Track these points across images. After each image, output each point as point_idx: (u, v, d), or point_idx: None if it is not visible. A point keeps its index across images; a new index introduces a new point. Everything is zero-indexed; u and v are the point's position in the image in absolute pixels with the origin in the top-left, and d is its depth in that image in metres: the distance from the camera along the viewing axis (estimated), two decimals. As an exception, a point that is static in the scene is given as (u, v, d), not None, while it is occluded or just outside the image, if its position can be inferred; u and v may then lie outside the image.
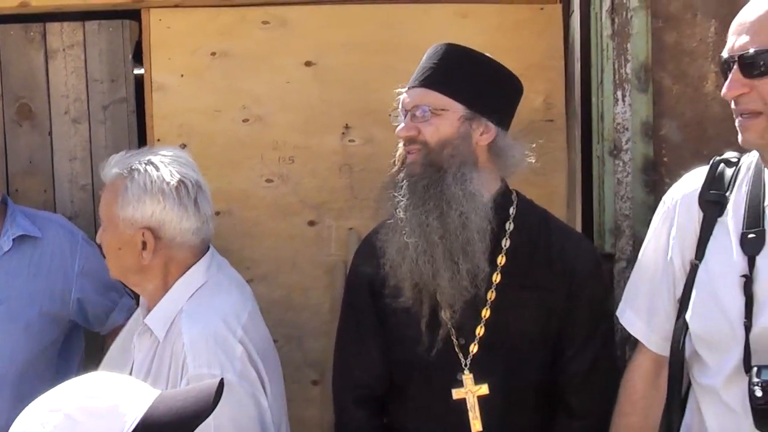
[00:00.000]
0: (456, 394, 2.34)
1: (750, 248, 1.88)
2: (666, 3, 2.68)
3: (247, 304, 2.43)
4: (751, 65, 1.81)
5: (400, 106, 2.44)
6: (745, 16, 1.87)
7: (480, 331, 2.34)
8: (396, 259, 2.35)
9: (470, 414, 2.33)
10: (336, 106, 3.20)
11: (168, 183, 2.34)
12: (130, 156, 2.43)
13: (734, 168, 2.03)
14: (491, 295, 2.34)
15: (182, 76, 3.22)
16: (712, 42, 2.69)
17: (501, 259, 2.36)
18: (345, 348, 2.52)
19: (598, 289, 2.41)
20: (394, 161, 2.45)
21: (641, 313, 2.18)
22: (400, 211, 2.35)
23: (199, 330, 2.26)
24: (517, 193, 2.48)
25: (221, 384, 1.57)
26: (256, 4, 3.21)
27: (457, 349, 2.35)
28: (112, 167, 2.40)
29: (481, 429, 2.32)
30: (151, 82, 3.22)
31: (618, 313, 2.27)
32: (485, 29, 3.19)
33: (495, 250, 2.35)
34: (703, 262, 1.98)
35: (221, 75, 3.22)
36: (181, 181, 2.37)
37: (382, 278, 2.39)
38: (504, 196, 2.43)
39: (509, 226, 2.40)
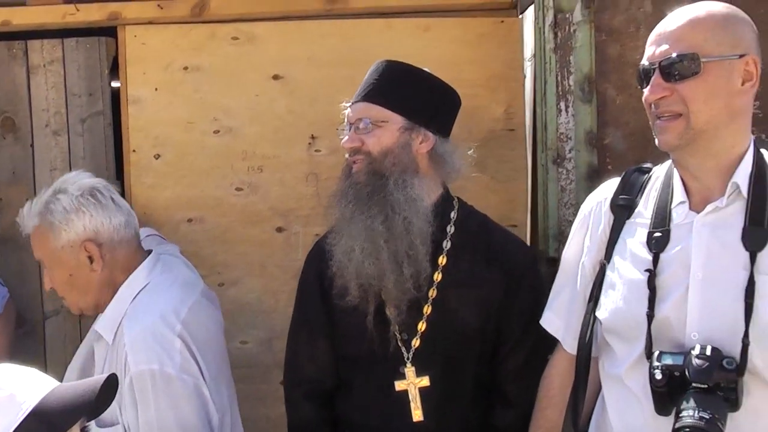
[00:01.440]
0: (398, 386, 2.48)
1: (656, 246, 2.01)
2: (609, 17, 2.79)
3: (187, 300, 2.57)
4: (670, 71, 1.94)
5: (345, 120, 2.56)
6: (664, 27, 2.00)
7: (422, 326, 2.49)
8: (343, 261, 2.48)
9: (412, 404, 2.48)
10: (302, 118, 3.33)
11: (81, 195, 2.53)
12: (35, 203, 2.59)
13: (646, 175, 2.17)
14: (432, 293, 2.48)
15: (156, 89, 3.37)
16: (654, 54, 2.79)
17: (442, 260, 2.50)
18: (296, 345, 2.66)
19: (534, 288, 2.54)
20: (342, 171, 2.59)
21: (560, 314, 2.31)
22: (346, 217, 2.49)
23: (138, 329, 2.42)
24: (459, 199, 2.62)
25: (111, 380, 1.68)
26: (226, 20, 3.36)
27: (400, 344, 2.49)
28: (28, 220, 2.57)
29: (422, 418, 2.47)
30: (127, 95, 3.37)
31: (543, 319, 2.39)
32: (447, 42, 3.32)
33: (436, 251, 2.50)
34: (611, 261, 2.10)
35: (193, 88, 3.36)
36: (91, 188, 2.56)
37: (330, 279, 2.53)
38: (445, 201, 2.57)
39: (450, 228, 2.53)
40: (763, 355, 1.86)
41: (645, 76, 2.00)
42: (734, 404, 1.84)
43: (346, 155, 2.57)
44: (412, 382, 2.48)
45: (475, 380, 2.53)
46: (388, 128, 2.51)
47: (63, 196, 2.52)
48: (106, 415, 2.35)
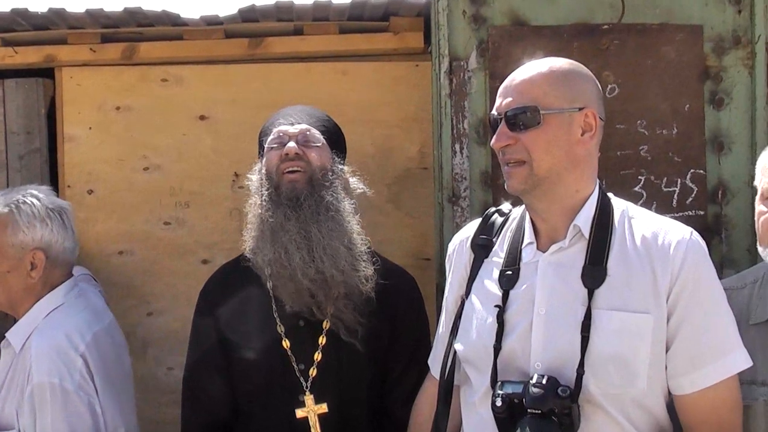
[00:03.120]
0: (299, 413, 2.62)
1: (506, 283, 2.16)
2: (502, 66, 2.95)
3: (94, 325, 2.79)
4: (515, 122, 2.10)
5: (276, 135, 2.70)
6: (510, 80, 2.18)
7: (317, 356, 2.64)
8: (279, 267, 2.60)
9: (312, 431, 2.61)
10: (226, 156, 3.52)
11: (52, 209, 2.77)
12: (6, 194, 2.79)
13: (505, 217, 2.33)
14: (326, 324, 2.64)
15: (90, 128, 3.56)
16: (545, 100, 2.98)
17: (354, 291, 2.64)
18: (193, 379, 2.77)
19: (419, 316, 2.73)
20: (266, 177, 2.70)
21: (434, 345, 2.46)
22: (285, 228, 2.60)
23: (46, 343, 2.64)
24: None
25: None
26: (156, 63, 3.55)
27: (298, 374, 2.64)
28: None
29: None
30: (63, 134, 3.57)
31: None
32: (364, 85, 3.53)
33: None
34: (470, 296, 2.25)
35: (124, 127, 3.56)
36: (61, 208, 2.81)
37: (227, 314, 2.69)
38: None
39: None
40: (598, 383, 2.02)
41: (493, 125, 2.17)
42: (569, 429, 1.99)
43: (271, 165, 2.67)
44: (311, 410, 2.63)
45: (369, 406, 2.68)
46: (325, 149, 2.70)
47: (36, 201, 2.75)
48: (4, 418, 2.59)
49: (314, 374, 2.64)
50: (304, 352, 2.64)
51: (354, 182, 2.79)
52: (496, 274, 2.20)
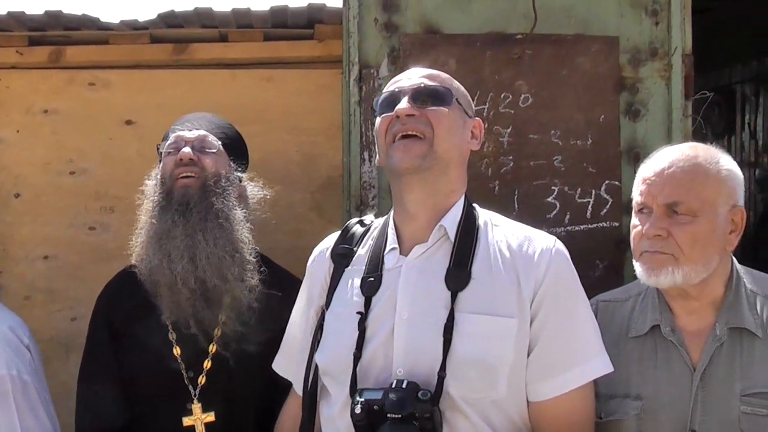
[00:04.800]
0: (186, 421, 2.61)
1: (368, 290, 2.13)
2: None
3: (20, 321, 2.74)
4: (424, 97, 2.10)
5: (173, 140, 2.70)
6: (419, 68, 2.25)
7: (207, 364, 2.63)
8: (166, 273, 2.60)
9: None
10: (152, 161, 3.43)
11: None
12: None
13: (366, 227, 2.30)
14: (217, 332, 2.63)
15: (18, 131, 3.56)
16: (458, 108, 2.96)
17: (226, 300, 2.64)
18: (86, 384, 2.74)
19: None
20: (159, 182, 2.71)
21: (291, 358, 2.39)
22: (173, 230, 2.61)
23: None
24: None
25: None
26: (84, 67, 3.55)
27: (186, 382, 2.63)
28: None
29: None
30: (-9, 136, 3.56)
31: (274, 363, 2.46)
32: (289, 92, 3.53)
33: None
34: (330, 306, 2.22)
35: (51, 131, 3.56)
36: None
37: (121, 320, 2.68)
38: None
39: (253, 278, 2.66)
40: (459, 387, 1.99)
41: (394, 99, 2.13)
42: None
43: (167, 170, 2.68)
44: (198, 418, 2.62)
45: (257, 414, 2.66)
46: (222, 156, 2.71)
47: None
48: None
49: (203, 382, 2.63)
50: (194, 359, 2.63)
51: (253, 190, 2.77)
52: (357, 282, 2.17)
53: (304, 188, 3.52)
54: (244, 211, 2.68)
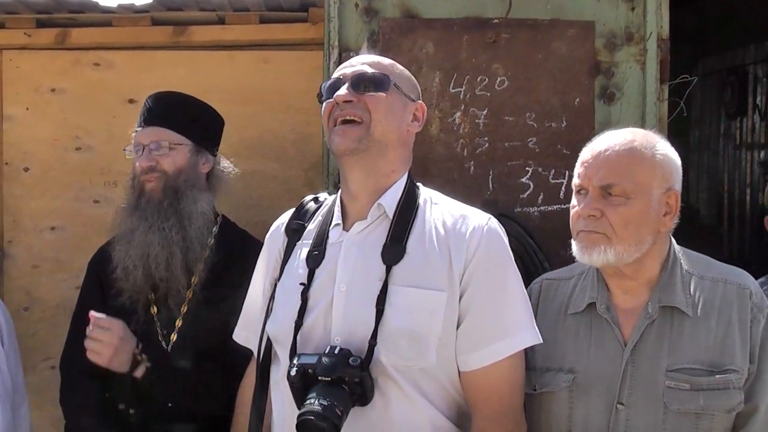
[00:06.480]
0: None
1: (312, 263, 2.27)
2: (393, 57, 3.00)
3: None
4: (363, 83, 2.21)
5: (134, 142, 2.88)
6: (365, 55, 2.36)
7: (179, 323, 2.86)
8: (130, 267, 2.83)
9: None
10: (153, 139, 3.65)
11: None
12: None
13: (319, 204, 2.43)
14: (189, 294, 2.85)
15: (27, 109, 3.75)
16: (436, 91, 3.07)
17: (200, 266, 2.86)
18: (75, 333, 2.91)
19: None
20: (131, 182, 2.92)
21: (250, 328, 2.50)
22: (142, 228, 2.84)
23: None
24: (223, 216, 2.97)
25: None
26: (89, 48, 3.72)
27: (160, 338, 2.85)
28: None
29: None
30: (2, 113, 3.75)
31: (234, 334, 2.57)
32: (285, 73, 3.66)
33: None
34: (281, 278, 2.36)
35: (59, 109, 3.74)
36: None
37: (110, 281, 2.88)
38: (212, 216, 2.93)
39: (210, 240, 2.87)
40: (388, 355, 2.11)
41: (333, 87, 2.26)
42: (362, 398, 2.09)
43: (136, 172, 2.88)
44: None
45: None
46: (182, 150, 2.89)
47: None
48: None
49: (174, 339, 2.85)
50: (168, 318, 2.86)
51: (227, 166, 2.94)
52: (304, 254, 2.30)
53: (298, 166, 3.66)
54: (211, 194, 2.91)
